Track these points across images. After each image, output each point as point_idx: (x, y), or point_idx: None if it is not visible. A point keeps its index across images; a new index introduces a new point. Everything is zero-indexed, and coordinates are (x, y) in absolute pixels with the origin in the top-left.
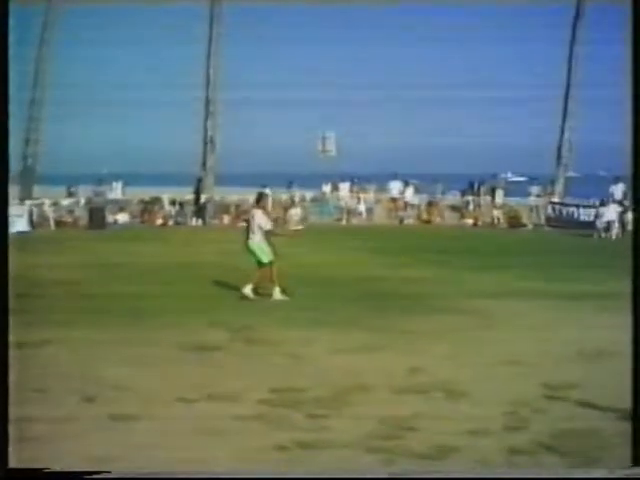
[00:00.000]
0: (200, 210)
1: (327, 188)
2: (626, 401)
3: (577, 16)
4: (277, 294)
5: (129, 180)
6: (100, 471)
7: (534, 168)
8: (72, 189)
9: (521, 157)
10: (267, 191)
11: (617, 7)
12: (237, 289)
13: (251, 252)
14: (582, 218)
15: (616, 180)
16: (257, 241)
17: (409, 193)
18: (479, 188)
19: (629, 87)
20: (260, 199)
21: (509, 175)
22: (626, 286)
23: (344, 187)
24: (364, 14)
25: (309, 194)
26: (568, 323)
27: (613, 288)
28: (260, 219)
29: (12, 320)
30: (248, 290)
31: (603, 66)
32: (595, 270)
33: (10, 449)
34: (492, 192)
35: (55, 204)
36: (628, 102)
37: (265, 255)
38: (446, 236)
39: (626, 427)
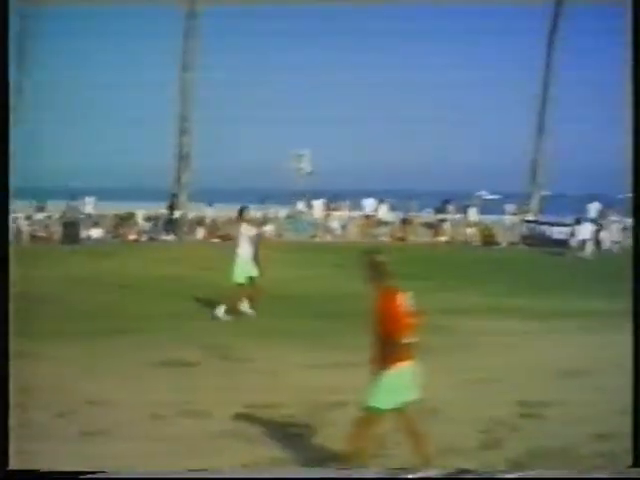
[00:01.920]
0: (174, 226)
1: (301, 205)
2: (602, 420)
3: (553, 29)
4: (245, 307)
5: (103, 195)
6: (99, 471)
7: (509, 186)
8: (40, 204)
9: (496, 175)
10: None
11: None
12: (210, 304)
13: (239, 269)
14: (556, 236)
15: (591, 198)
16: (244, 258)
17: (383, 210)
18: (453, 206)
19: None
20: (242, 212)
21: (484, 193)
22: (601, 305)
23: (318, 204)
24: (341, 30)
25: (283, 211)
26: (542, 341)
27: (587, 307)
28: (245, 230)
29: None
30: (221, 312)
31: (577, 84)
32: (569, 289)
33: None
34: (466, 210)
35: (29, 218)
36: (601, 120)
37: (244, 273)
38: (420, 253)
39: (602, 446)
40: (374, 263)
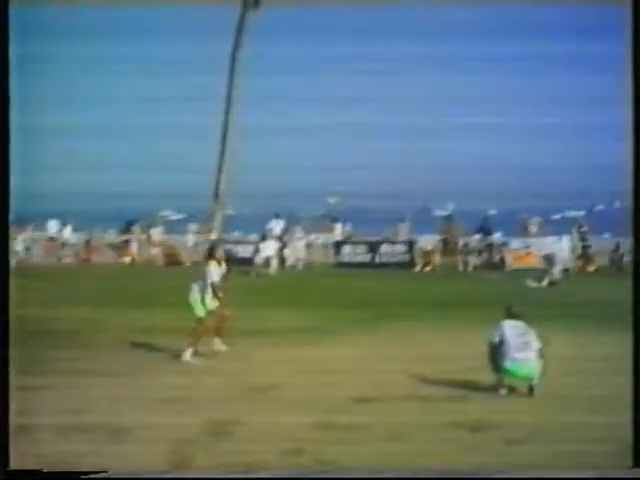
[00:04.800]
0: None
1: None
2: (291, 434)
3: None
4: (217, 344)
5: None
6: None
7: (193, 206)
8: None
9: (180, 194)
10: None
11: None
12: None
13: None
14: (241, 254)
15: (275, 216)
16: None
17: (67, 232)
18: (137, 226)
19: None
20: (212, 250)
21: (168, 212)
22: (292, 321)
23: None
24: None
25: None
26: (231, 359)
27: (275, 323)
28: (212, 271)
29: None
30: (188, 356)
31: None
32: (256, 306)
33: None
34: (149, 230)
35: None
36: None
37: (203, 308)
38: (104, 275)
39: (291, 460)
40: None
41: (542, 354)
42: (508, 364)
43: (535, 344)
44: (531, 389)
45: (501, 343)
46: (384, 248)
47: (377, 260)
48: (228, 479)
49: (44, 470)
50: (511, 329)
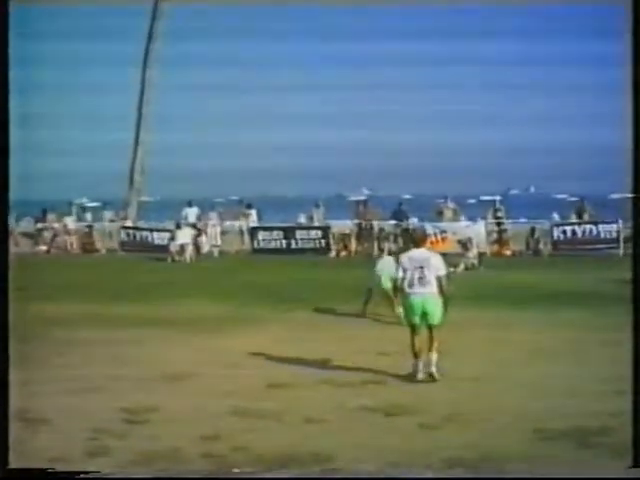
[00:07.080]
0: None
1: None
2: (207, 421)
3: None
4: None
5: None
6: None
7: (108, 193)
8: None
9: (96, 182)
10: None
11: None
12: None
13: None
14: (157, 242)
15: (189, 203)
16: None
17: None
18: (53, 214)
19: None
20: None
21: (84, 200)
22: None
23: None
24: None
25: None
26: (145, 347)
27: (183, 311)
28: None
29: None
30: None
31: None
32: (168, 295)
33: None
34: (65, 218)
35: None
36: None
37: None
38: (22, 264)
39: (208, 447)
40: None
41: (443, 289)
42: (406, 295)
43: (432, 278)
44: (431, 376)
45: (400, 278)
46: (300, 234)
47: (293, 246)
48: (233, 479)
49: (44, 469)
50: (408, 261)
